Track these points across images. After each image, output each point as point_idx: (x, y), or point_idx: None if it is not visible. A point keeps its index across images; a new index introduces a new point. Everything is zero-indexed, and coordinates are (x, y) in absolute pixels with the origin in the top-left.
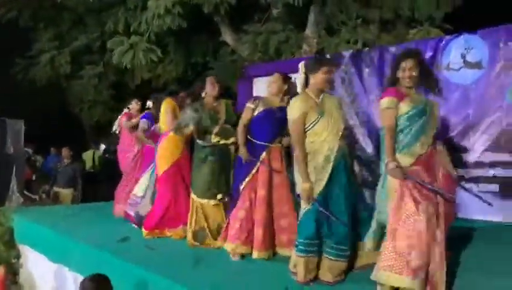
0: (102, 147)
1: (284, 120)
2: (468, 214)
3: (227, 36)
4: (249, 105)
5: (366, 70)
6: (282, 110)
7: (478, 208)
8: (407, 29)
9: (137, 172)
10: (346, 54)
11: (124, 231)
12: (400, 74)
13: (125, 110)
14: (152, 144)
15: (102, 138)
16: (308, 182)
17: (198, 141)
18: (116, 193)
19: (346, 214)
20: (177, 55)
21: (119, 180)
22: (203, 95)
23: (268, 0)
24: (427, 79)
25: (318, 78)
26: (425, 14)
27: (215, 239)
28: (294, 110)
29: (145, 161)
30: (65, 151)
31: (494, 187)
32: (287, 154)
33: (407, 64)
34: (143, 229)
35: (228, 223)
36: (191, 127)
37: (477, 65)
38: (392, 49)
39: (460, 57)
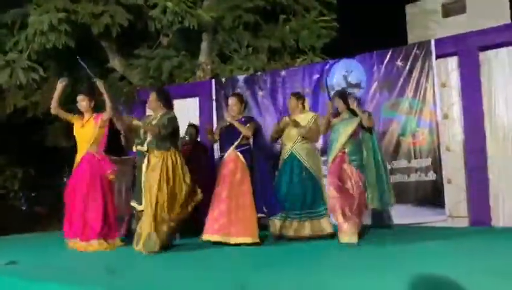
0: None
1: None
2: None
3: (116, 62)
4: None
5: (260, 93)
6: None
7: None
8: (292, 58)
9: None
10: (241, 78)
11: None
12: None
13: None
14: None
15: None
16: None
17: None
18: None
19: None
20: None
21: None
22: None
23: (158, 27)
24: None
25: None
26: (308, 44)
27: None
28: None
29: None
30: None
31: None
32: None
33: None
34: None
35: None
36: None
37: (358, 86)
38: (282, 72)
39: (343, 78)
